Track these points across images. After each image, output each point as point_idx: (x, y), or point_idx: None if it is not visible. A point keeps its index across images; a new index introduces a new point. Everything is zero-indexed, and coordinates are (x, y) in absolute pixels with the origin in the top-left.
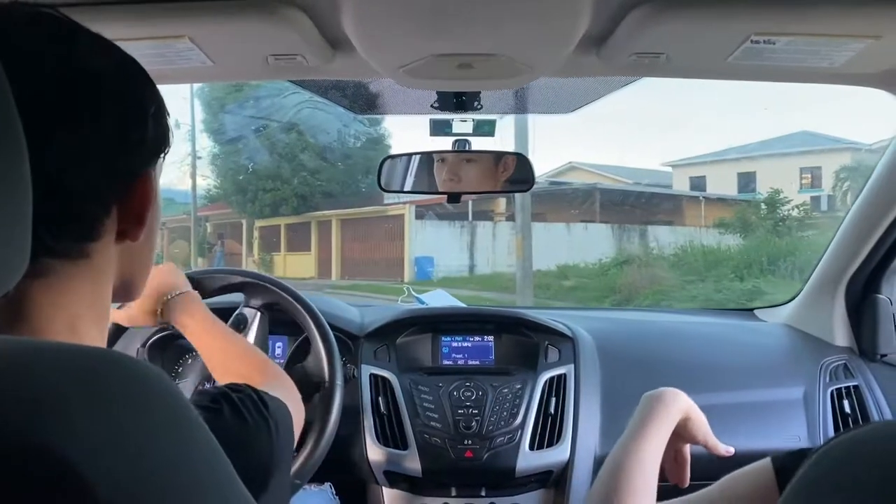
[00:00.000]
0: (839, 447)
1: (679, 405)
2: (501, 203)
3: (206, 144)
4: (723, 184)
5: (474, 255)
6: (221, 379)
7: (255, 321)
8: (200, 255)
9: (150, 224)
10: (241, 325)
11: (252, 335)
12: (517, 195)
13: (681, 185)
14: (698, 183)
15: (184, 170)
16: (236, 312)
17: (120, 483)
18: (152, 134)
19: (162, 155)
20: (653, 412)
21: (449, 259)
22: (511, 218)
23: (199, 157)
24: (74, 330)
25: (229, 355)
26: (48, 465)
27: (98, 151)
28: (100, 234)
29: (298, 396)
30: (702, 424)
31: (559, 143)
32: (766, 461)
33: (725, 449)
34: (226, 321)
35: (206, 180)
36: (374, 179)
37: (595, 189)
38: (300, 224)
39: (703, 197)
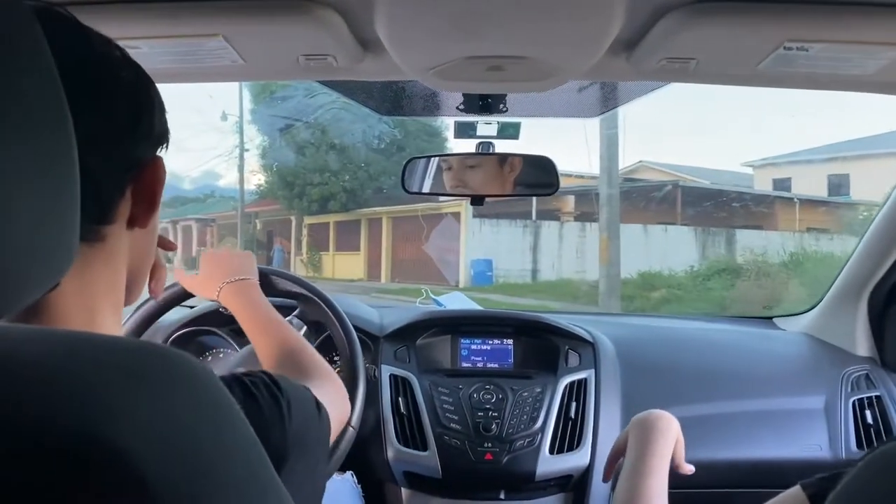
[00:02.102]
0: (880, 458)
1: (673, 432)
2: (570, 201)
3: (253, 136)
4: (811, 186)
5: (538, 259)
6: (267, 368)
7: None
8: None
9: (157, 213)
10: None
11: None
12: (603, 186)
13: (763, 187)
14: (783, 185)
15: (232, 162)
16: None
17: (174, 476)
18: (157, 127)
19: (164, 147)
20: (653, 443)
21: (510, 262)
22: (581, 218)
23: (247, 150)
24: (93, 317)
25: (277, 347)
26: (106, 456)
27: (114, 135)
28: (115, 216)
29: (344, 394)
30: (682, 447)
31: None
32: (797, 488)
33: (689, 468)
34: None
35: (256, 175)
36: None
37: (676, 187)
38: (350, 221)
39: (798, 199)
